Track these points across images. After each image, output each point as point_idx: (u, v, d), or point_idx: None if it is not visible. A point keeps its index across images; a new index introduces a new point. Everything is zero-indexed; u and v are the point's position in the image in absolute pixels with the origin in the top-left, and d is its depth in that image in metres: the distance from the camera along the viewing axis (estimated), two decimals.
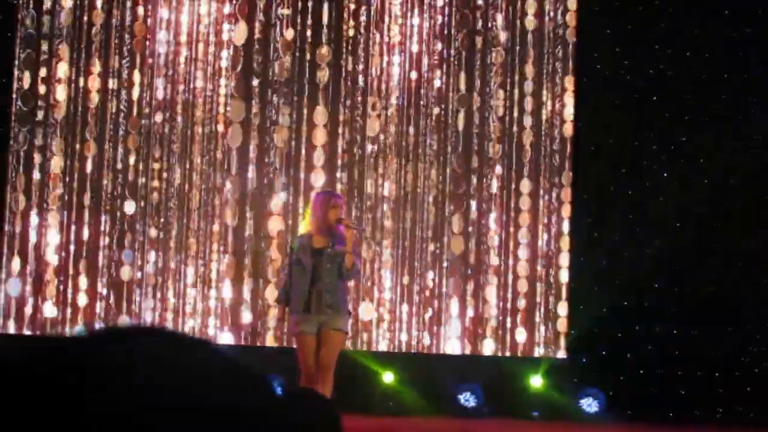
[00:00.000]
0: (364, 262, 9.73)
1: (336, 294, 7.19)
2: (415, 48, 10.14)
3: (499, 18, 10.16)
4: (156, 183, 10.07)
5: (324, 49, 10.09)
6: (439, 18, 10.16)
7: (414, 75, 10.11)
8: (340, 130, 10.06)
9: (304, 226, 7.44)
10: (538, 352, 9.94)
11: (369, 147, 10.07)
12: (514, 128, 10.09)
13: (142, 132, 10.10)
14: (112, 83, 10.10)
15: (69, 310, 10.04)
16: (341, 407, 6.72)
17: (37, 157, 10.06)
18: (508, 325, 9.96)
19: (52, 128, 10.08)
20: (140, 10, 10.16)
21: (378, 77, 10.10)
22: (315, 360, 7.15)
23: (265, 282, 9.99)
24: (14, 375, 1.16)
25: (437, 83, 10.10)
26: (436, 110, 10.08)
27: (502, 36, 10.14)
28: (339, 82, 10.09)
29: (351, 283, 8.00)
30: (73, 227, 10.05)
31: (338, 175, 10.07)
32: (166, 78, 10.13)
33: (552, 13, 10.19)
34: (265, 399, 1.29)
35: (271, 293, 9.89)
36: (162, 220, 10.06)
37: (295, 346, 7.36)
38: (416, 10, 10.17)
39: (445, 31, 10.14)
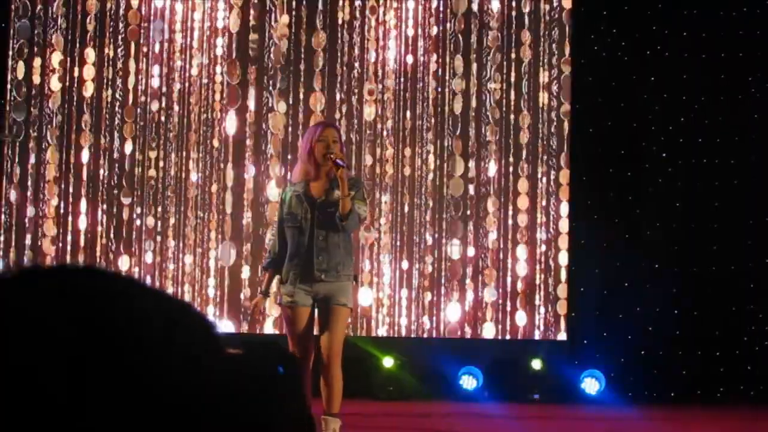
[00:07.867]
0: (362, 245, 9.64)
1: (333, 255, 5.73)
2: (410, 32, 10.08)
3: (495, 1, 10.10)
4: (153, 172, 10.01)
5: (320, 35, 10.04)
6: (434, 1, 10.10)
7: (410, 59, 10.04)
8: (336, 116, 10.00)
9: (296, 171, 6.06)
10: (539, 334, 9.89)
11: (366, 132, 10.01)
12: (511, 111, 10.03)
13: (137, 121, 10.03)
14: (106, 72, 10.04)
15: None
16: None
17: (32, 148, 10.01)
18: (508, 308, 9.90)
19: (47, 119, 10.02)
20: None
21: (374, 63, 10.04)
22: (310, 338, 5.80)
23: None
24: None
25: (433, 67, 10.03)
26: (432, 94, 10.01)
27: (497, 19, 10.08)
28: (335, 67, 10.03)
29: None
30: (69, 218, 10.00)
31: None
32: (162, 66, 10.08)
33: None
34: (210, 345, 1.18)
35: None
36: (159, 209, 9.99)
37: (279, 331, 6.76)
38: None
39: (440, 15, 10.07)
